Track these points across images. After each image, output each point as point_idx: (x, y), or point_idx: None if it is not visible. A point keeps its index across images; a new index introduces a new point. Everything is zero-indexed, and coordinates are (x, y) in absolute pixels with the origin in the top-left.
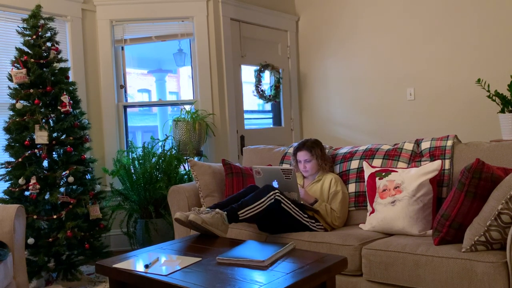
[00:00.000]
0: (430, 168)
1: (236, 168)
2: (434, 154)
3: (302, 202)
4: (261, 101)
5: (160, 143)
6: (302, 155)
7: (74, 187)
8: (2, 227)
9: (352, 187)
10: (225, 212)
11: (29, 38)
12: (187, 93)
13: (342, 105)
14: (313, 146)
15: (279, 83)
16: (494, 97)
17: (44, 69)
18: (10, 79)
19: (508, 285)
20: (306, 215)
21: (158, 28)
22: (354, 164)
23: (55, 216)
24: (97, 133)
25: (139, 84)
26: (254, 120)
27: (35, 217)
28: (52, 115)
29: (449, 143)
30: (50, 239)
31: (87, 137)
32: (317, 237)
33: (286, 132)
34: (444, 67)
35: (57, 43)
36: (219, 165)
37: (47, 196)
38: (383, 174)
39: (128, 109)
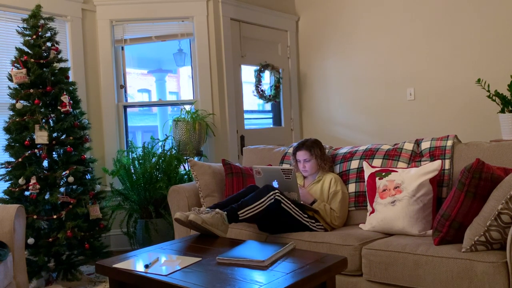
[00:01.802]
0: (430, 168)
1: (236, 168)
2: (434, 154)
3: (302, 202)
4: (261, 101)
5: (160, 143)
6: (302, 155)
7: (74, 187)
8: (2, 227)
9: (352, 187)
10: (225, 212)
11: (29, 38)
12: (187, 93)
13: (342, 105)
14: (312, 146)
15: (279, 83)
16: (494, 97)
17: (44, 69)
18: (10, 79)
19: (508, 285)
20: (306, 215)
21: (158, 28)
22: (354, 164)
23: (55, 216)
24: (97, 133)
25: (139, 84)
26: (254, 120)
27: (35, 217)
28: (52, 115)
29: (449, 143)
30: (50, 239)
31: (87, 137)
32: (317, 237)
33: (286, 132)
34: (444, 67)
35: (57, 43)
36: (219, 165)
37: (47, 196)
38: (383, 174)
39: (128, 109)
